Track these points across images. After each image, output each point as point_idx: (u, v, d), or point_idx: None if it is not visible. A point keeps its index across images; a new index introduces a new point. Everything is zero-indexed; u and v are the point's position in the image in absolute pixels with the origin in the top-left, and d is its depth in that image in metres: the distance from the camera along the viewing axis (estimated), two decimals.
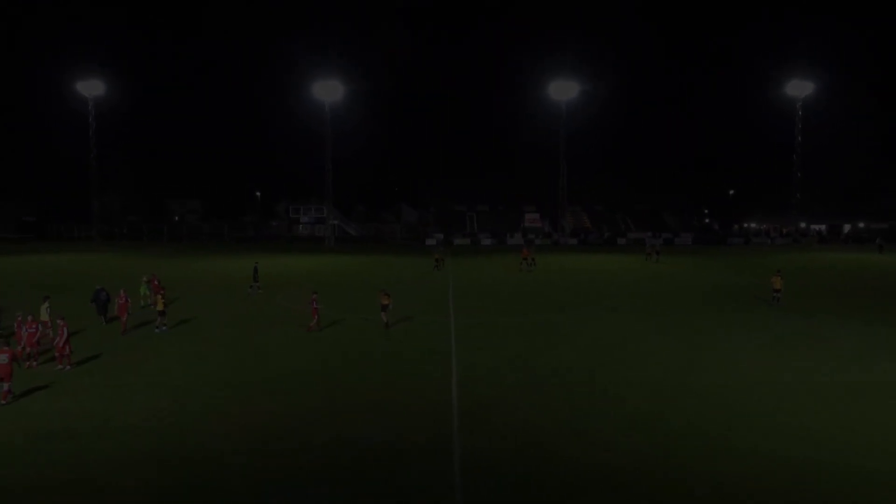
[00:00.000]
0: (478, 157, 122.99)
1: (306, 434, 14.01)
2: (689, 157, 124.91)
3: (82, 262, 55.85)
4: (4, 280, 41.20)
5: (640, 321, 27.28)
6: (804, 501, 11.02)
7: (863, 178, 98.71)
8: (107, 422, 14.73)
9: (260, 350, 22.00)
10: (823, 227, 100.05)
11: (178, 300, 31.72)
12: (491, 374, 18.75)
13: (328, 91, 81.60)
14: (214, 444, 13.49)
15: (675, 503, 11.10)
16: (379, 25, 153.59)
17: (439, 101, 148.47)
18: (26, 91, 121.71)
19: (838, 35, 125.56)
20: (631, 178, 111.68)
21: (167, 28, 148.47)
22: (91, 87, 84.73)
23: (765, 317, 28.19)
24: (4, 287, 36.90)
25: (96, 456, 12.82)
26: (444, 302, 32.66)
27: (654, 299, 33.76)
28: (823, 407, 15.69)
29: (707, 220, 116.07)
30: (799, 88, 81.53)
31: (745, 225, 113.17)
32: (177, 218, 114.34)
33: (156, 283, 31.45)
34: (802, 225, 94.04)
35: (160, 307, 24.90)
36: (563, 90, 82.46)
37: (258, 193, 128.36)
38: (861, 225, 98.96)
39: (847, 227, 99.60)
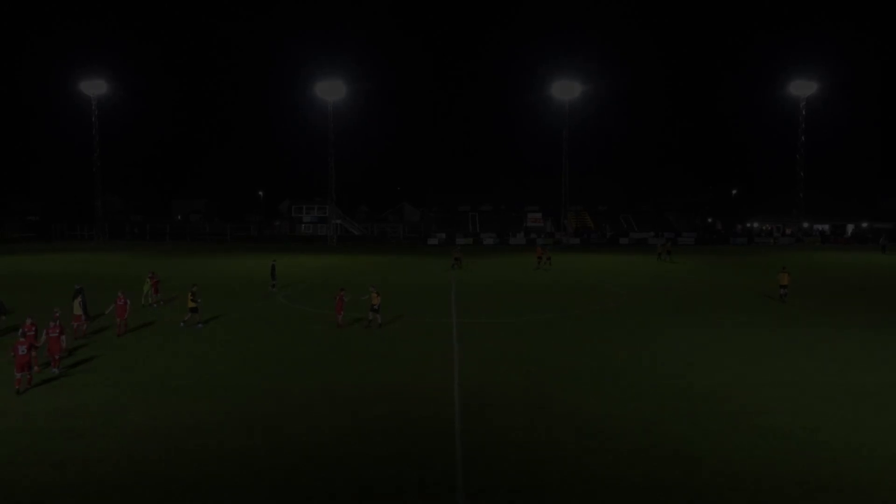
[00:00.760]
0: (481, 156, 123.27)
1: (307, 434, 14.05)
2: (692, 156, 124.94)
3: (82, 262, 55.90)
4: (5, 280, 41.24)
5: (639, 319, 27.28)
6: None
7: (866, 178, 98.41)
8: (108, 421, 14.78)
9: (263, 350, 22.03)
10: (827, 226, 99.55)
11: (176, 300, 31.77)
12: (491, 375, 18.76)
13: (331, 91, 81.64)
14: (216, 443, 13.54)
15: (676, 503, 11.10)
16: (382, 25, 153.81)
17: (442, 101, 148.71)
18: (30, 91, 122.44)
19: (843, 35, 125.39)
20: (634, 178, 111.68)
21: (170, 28, 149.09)
22: (95, 87, 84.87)
23: (766, 317, 28.14)
24: (7, 288, 36.93)
25: (98, 455, 12.86)
26: (445, 302, 32.66)
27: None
28: (827, 408, 15.67)
29: (710, 220, 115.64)
30: (803, 88, 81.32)
31: (748, 224, 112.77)
32: (179, 217, 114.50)
33: (155, 280, 31.57)
34: (805, 225, 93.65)
35: (191, 305, 25.43)
36: (566, 90, 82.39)
37: (261, 193, 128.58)
38: (864, 225, 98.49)
39: (850, 228, 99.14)
